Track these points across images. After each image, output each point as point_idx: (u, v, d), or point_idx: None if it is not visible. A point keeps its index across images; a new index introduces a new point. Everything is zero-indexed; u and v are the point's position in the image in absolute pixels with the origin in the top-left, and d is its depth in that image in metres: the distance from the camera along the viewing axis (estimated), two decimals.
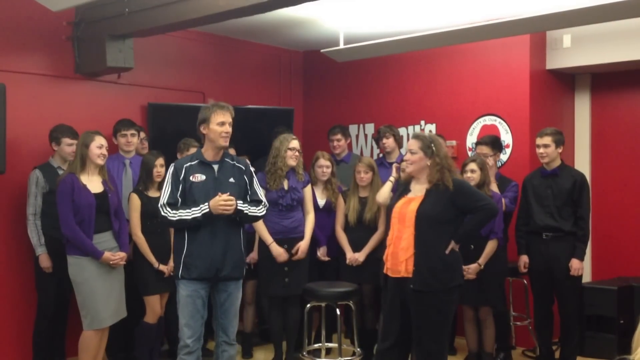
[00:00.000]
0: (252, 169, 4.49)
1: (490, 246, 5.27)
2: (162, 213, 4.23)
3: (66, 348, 5.41)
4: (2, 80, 5.03)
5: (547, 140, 5.32)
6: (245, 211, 4.27)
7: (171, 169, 4.34)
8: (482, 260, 5.25)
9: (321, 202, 5.77)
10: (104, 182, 4.82)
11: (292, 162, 5.39)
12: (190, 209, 4.18)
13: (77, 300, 4.75)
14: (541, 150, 5.34)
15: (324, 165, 5.74)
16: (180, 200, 4.23)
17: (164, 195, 4.27)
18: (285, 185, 5.42)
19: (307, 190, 5.56)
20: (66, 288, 4.99)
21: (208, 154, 4.32)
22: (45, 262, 5.15)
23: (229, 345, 4.45)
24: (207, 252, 4.23)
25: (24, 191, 5.21)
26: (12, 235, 5.40)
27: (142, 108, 6.26)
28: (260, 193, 4.46)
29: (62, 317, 5.35)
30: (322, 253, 5.77)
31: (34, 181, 5.14)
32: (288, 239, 5.43)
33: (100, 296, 4.67)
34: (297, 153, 5.43)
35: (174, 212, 4.19)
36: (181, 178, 4.25)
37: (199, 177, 4.26)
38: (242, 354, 5.84)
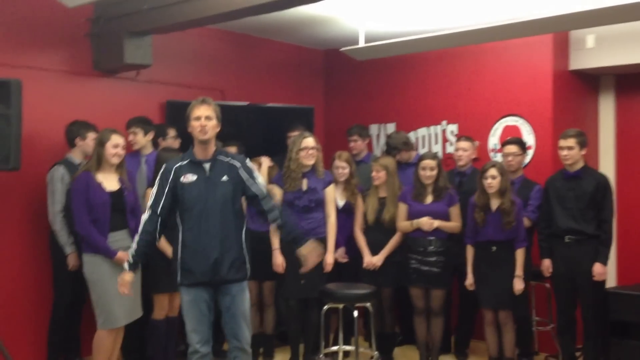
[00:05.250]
0: (250, 164, 4.28)
1: (521, 255, 5.19)
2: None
3: (82, 347, 5.37)
4: (19, 76, 4.96)
5: (571, 142, 5.22)
6: None
7: (161, 170, 4.20)
8: (519, 271, 5.17)
9: (340, 202, 5.67)
10: (121, 180, 4.78)
11: (307, 162, 5.30)
12: (135, 244, 4.14)
13: (92, 299, 4.72)
14: (565, 152, 5.24)
15: (339, 167, 5.64)
16: (162, 206, 4.09)
17: (150, 199, 4.16)
18: (304, 186, 5.34)
19: (329, 191, 5.45)
20: (83, 286, 4.91)
21: (198, 152, 4.15)
22: (73, 260, 5.07)
23: (240, 350, 4.19)
24: (201, 256, 4.06)
25: (39, 188, 5.18)
26: (28, 232, 5.37)
27: (160, 106, 6.22)
28: (261, 186, 4.21)
29: (77, 316, 5.31)
30: (339, 254, 5.66)
31: (59, 177, 5.06)
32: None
33: (114, 295, 4.58)
34: (311, 151, 5.33)
35: (136, 236, 4.15)
36: (170, 180, 4.10)
37: (190, 178, 4.09)
38: (264, 356, 5.76)
